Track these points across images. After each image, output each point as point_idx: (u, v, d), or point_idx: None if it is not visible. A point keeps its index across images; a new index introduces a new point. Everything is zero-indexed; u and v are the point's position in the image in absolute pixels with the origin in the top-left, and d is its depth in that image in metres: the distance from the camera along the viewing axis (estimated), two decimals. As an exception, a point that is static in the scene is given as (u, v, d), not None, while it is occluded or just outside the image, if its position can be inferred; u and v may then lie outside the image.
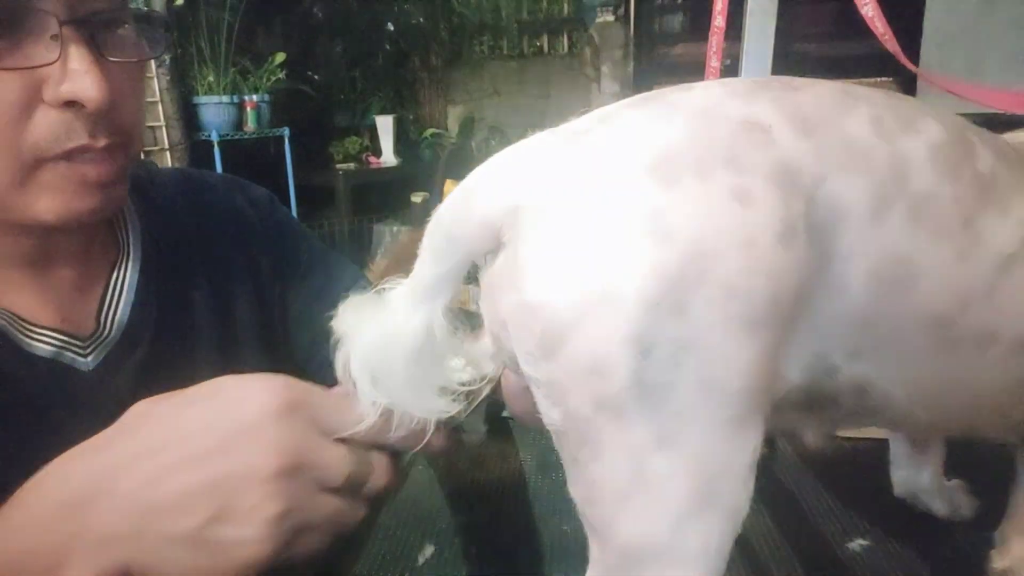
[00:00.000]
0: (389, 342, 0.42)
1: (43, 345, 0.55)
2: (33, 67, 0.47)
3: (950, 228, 0.41)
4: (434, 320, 0.42)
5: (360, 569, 0.68)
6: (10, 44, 0.47)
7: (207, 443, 0.38)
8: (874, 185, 0.39)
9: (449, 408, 0.44)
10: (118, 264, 0.61)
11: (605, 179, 0.38)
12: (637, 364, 0.35)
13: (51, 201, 0.51)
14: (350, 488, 0.42)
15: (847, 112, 0.41)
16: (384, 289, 0.44)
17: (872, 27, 0.84)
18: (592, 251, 0.37)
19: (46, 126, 0.48)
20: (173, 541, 0.38)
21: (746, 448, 0.38)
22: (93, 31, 0.49)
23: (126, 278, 0.61)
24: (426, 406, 0.44)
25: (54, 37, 0.47)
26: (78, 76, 0.48)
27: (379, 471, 0.43)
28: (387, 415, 0.43)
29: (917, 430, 0.68)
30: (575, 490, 0.41)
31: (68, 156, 0.50)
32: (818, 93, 0.42)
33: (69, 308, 0.58)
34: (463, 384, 0.45)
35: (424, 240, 0.43)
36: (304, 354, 0.74)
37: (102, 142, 0.51)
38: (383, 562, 0.69)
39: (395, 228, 3.36)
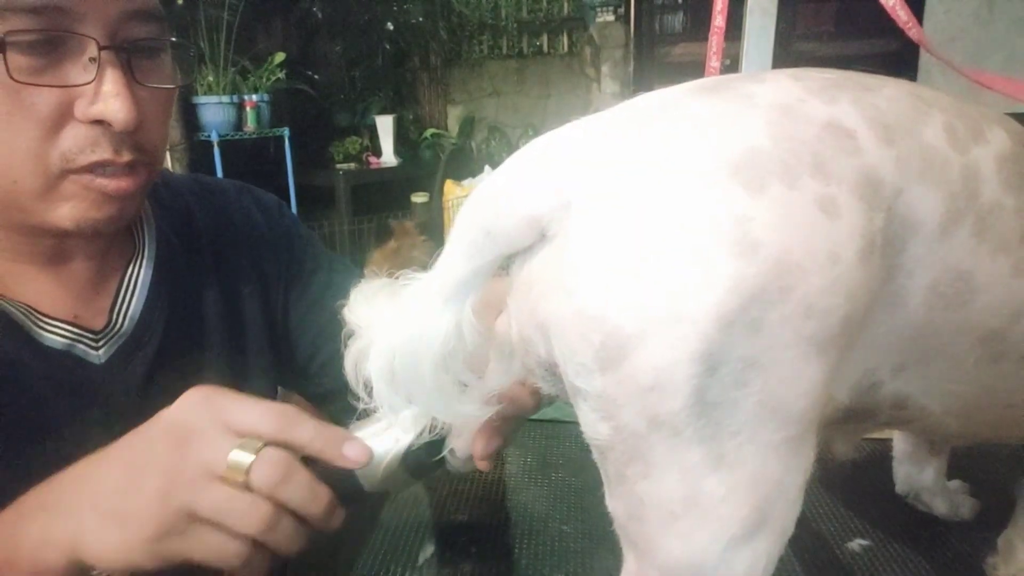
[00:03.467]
0: (415, 343, 0.39)
1: (56, 337, 0.56)
2: (70, 86, 0.50)
3: (1009, 242, 0.39)
4: (463, 318, 0.39)
5: (361, 567, 0.68)
6: (50, 62, 0.49)
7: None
8: (948, 198, 0.37)
9: (478, 412, 0.42)
10: (133, 261, 0.63)
11: (681, 176, 0.34)
12: (701, 382, 0.33)
13: (71, 209, 0.53)
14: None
15: (923, 119, 0.38)
16: (400, 282, 0.42)
17: (894, 16, 0.82)
18: (665, 258, 0.33)
19: (73, 139, 0.51)
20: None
21: (800, 469, 0.36)
22: (129, 56, 0.52)
23: (139, 276, 0.62)
24: (452, 410, 0.42)
25: (92, 59, 0.50)
26: (109, 98, 0.50)
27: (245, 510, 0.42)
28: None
29: (942, 437, 0.67)
30: (617, 505, 0.39)
31: (92, 169, 0.52)
32: (893, 96, 0.39)
33: (83, 303, 0.59)
34: (492, 386, 0.43)
35: (454, 234, 0.40)
36: (305, 355, 0.75)
37: (125, 158, 0.53)
38: (384, 560, 0.69)
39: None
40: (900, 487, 0.76)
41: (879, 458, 0.78)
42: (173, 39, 0.57)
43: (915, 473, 0.75)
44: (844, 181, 0.34)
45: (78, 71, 0.50)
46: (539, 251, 0.38)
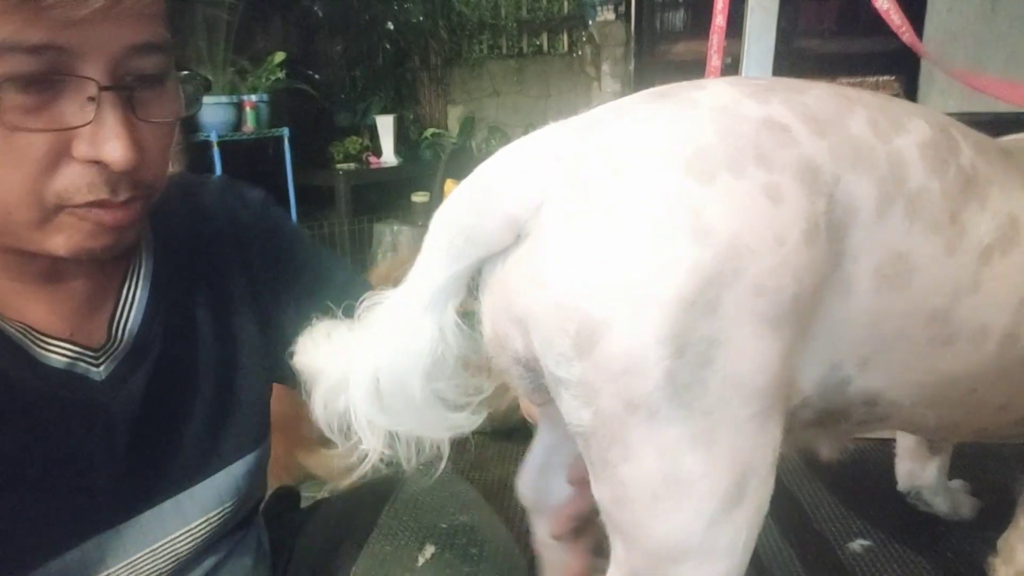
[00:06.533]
0: (401, 356, 0.39)
1: (57, 356, 0.56)
2: (66, 129, 0.48)
3: (940, 222, 0.42)
4: (446, 324, 0.40)
5: (359, 570, 0.68)
6: (47, 100, 0.47)
7: None
8: (879, 184, 0.40)
9: (467, 423, 0.42)
10: (129, 276, 0.62)
11: (640, 174, 0.37)
12: (671, 364, 0.35)
13: (66, 240, 0.51)
14: None
15: (848, 113, 0.41)
16: (367, 309, 0.42)
17: (887, 20, 0.82)
18: (629, 248, 0.36)
19: (69, 178, 0.49)
20: None
21: (770, 445, 0.39)
22: (131, 93, 0.50)
23: (137, 290, 0.62)
24: (443, 423, 0.41)
25: (91, 99, 0.48)
26: (108, 140, 0.48)
27: None
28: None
29: (928, 432, 0.68)
30: (601, 490, 0.41)
31: (87, 206, 0.50)
32: (820, 95, 0.42)
33: (79, 320, 0.58)
34: (478, 394, 0.42)
35: (432, 240, 0.41)
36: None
37: (122, 197, 0.51)
38: (383, 563, 0.68)
39: (395, 227, 3.35)
40: (902, 484, 0.76)
41: (880, 459, 0.78)
42: (183, 72, 0.55)
43: (917, 470, 0.75)
44: (786, 169, 0.37)
45: (75, 110, 0.48)
46: (513, 250, 0.40)
